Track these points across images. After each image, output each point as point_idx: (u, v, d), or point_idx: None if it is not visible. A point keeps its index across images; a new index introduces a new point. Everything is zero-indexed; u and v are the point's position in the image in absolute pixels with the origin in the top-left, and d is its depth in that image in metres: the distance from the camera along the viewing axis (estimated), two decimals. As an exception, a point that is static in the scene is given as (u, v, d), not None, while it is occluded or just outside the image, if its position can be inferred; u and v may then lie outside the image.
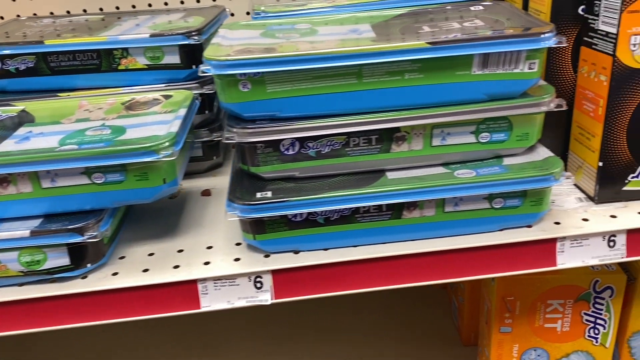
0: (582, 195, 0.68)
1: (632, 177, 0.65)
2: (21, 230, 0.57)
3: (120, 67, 0.76)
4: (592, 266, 0.76)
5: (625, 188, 0.65)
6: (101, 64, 0.76)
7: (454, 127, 0.61)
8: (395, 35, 0.62)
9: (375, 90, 0.59)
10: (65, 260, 0.59)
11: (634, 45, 0.59)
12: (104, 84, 0.77)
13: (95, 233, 0.58)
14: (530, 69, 0.59)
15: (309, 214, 0.60)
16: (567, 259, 0.62)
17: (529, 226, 0.63)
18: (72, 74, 0.76)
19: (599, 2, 0.62)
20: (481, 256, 0.61)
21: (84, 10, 1.09)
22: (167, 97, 0.71)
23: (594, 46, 0.63)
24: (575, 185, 0.70)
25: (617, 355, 0.82)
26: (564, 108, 0.61)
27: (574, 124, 0.69)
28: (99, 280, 0.60)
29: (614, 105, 0.62)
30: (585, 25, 0.65)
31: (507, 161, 0.63)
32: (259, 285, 0.60)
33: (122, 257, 0.64)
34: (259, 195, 0.59)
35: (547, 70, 0.69)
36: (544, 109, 0.61)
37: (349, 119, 0.60)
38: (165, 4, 1.10)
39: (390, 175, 0.62)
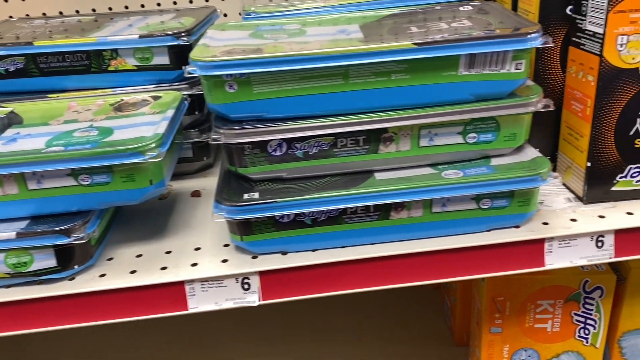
0: (571, 196, 0.68)
1: (621, 177, 0.65)
2: (7, 232, 0.57)
3: (109, 68, 0.76)
4: (582, 266, 0.76)
5: (613, 188, 0.65)
6: (91, 65, 0.75)
7: (441, 127, 0.61)
8: (383, 35, 0.62)
9: (362, 91, 0.59)
10: (52, 262, 0.58)
11: (621, 45, 0.59)
12: (93, 85, 0.77)
13: (81, 235, 0.58)
14: (517, 69, 0.59)
15: (297, 215, 0.60)
16: (555, 260, 0.62)
17: (517, 227, 0.63)
18: (62, 75, 0.76)
19: (586, 3, 0.62)
20: (468, 257, 0.61)
21: (77, 11, 1.09)
22: (156, 98, 0.71)
23: (581, 46, 0.63)
24: (564, 185, 0.70)
25: (608, 356, 0.82)
26: (552, 108, 0.61)
27: (563, 124, 0.69)
28: (86, 282, 0.60)
29: (601, 105, 0.62)
30: (573, 26, 0.65)
31: (494, 162, 0.63)
32: (246, 286, 0.60)
33: (110, 259, 0.64)
34: (246, 196, 0.59)
35: (535, 71, 0.69)
36: (531, 109, 0.61)
37: (336, 119, 0.60)
38: (158, 4, 1.10)
39: (378, 175, 0.62)
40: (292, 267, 0.60)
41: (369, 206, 0.60)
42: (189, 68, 0.57)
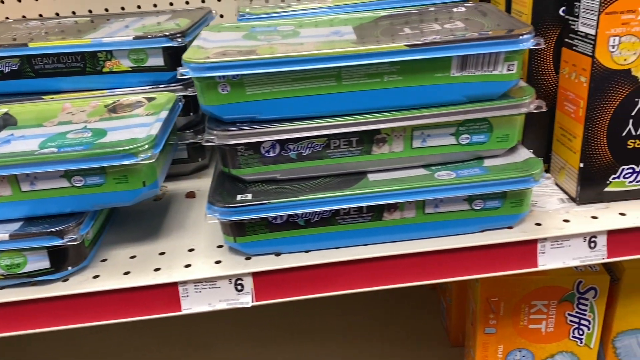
0: (565, 196, 0.68)
1: (614, 178, 0.65)
2: (0, 233, 0.57)
3: (104, 70, 0.76)
4: (576, 267, 0.76)
5: (606, 189, 0.65)
6: (85, 66, 0.76)
7: (434, 129, 0.61)
8: (376, 37, 0.62)
9: (355, 92, 0.59)
10: (45, 264, 0.59)
11: (613, 46, 0.59)
12: (88, 86, 0.77)
13: (75, 236, 0.58)
14: (509, 70, 0.59)
15: (290, 216, 0.60)
16: (548, 260, 0.62)
17: (510, 227, 0.63)
18: (57, 76, 0.76)
19: (578, 4, 0.62)
20: (461, 257, 0.61)
21: (73, 12, 1.09)
22: (150, 99, 0.71)
23: (574, 47, 0.64)
24: (557, 186, 0.71)
25: (602, 356, 0.82)
26: (544, 109, 0.61)
27: (556, 125, 0.70)
28: (80, 283, 0.60)
29: (593, 106, 0.62)
30: (566, 27, 0.65)
31: (487, 162, 0.63)
32: (239, 287, 0.60)
33: (104, 260, 0.64)
34: (239, 197, 0.59)
35: (529, 72, 0.69)
36: (523, 110, 0.61)
37: (329, 121, 0.60)
38: (155, 5, 1.10)
39: (371, 177, 0.62)
40: (285, 268, 0.60)
41: (362, 207, 0.60)
42: (181, 70, 0.58)
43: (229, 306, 0.61)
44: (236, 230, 0.60)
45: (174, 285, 0.60)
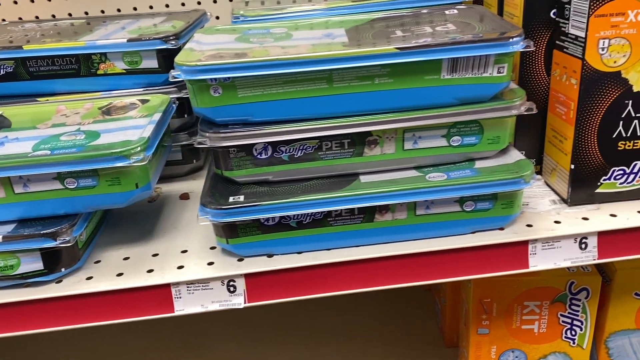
0: (556, 198, 0.69)
1: (604, 180, 0.65)
2: (-6, 235, 0.57)
3: (99, 72, 0.76)
4: (568, 268, 0.76)
5: (598, 190, 0.66)
6: (80, 68, 0.76)
7: (425, 130, 0.62)
8: (367, 39, 0.62)
9: (346, 94, 0.60)
10: (38, 265, 0.59)
11: (602, 49, 0.59)
12: (83, 88, 0.77)
13: (68, 238, 0.58)
14: (499, 73, 0.59)
15: (282, 217, 0.60)
16: (539, 261, 0.63)
17: (501, 229, 0.63)
18: (51, 78, 0.76)
19: (568, 6, 0.62)
20: (452, 259, 0.62)
21: (69, 14, 1.09)
22: (144, 101, 0.71)
23: (565, 49, 0.64)
24: (549, 187, 0.71)
25: (595, 356, 0.82)
26: (534, 111, 0.61)
27: (548, 127, 0.70)
28: (73, 285, 0.60)
29: (584, 108, 0.62)
30: (557, 29, 0.66)
31: (479, 164, 0.63)
32: (232, 289, 0.61)
33: (98, 261, 0.64)
34: (231, 199, 0.60)
35: (520, 73, 0.70)
36: (514, 112, 0.61)
37: (320, 123, 0.60)
38: (151, 7, 1.10)
39: (363, 178, 0.63)
40: (277, 270, 0.60)
41: (353, 209, 0.61)
42: (173, 72, 0.58)
43: (222, 307, 0.61)
44: (228, 231, 0.60)
45: (166, 286, 0.60)
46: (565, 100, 0.65)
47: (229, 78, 0.58)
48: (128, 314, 0.61)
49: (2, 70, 0.76)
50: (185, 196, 0.78)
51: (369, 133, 0.61)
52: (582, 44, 0.60)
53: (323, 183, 0.62)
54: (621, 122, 0.63)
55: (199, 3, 1.09)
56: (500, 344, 0.80)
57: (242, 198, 0.60)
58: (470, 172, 0.61)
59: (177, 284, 0.60)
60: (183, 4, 1.09)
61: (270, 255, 0.62)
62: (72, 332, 1.07)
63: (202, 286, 0.60)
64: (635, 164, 0.64)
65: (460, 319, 0.87)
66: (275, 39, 0.66)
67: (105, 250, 0.66)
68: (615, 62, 0.60)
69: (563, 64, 0.65)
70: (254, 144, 0.61)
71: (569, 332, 0.79)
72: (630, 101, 0.62)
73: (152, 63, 0.76)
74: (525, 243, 0.62)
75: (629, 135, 0.63)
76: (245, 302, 0.61)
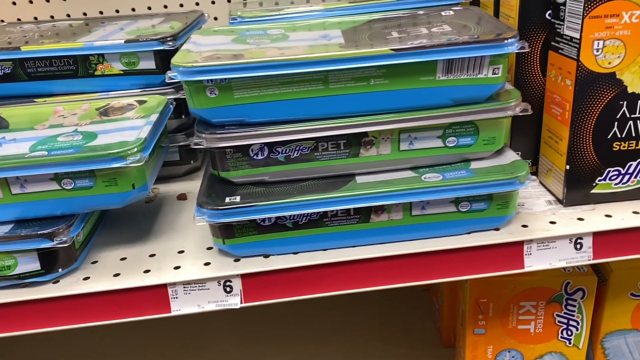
0: (552, 198, 0.69)
1: (600, 180, 0.65)
2: (-9, 235, 0.58)
3: (96, 73, 0.76)
4: (564, 268, 0.77)
5: (593, 191, 0.66)
6: (78, 69, 0.76)
7: (421, 131, 0.62)
8: (363, 41, 0.62)
9: (342, 95, 0.60)
10: (35, 265, 0.59)
11: (597, 50, 0.60)
12: (80, 89, 0.77)
13: (65, 238, 0.59)
14: (494, 74, 0.60)
15: (278, 218, 0.60)
16: (534, 262, 0.63)
17: (497, 229, 0.64)
18: (49, 79, 0.77)
19: (563, 8, 0.62)
20: (448, 259, 0.62)
21: (68, 15, 1.09)
22: (141, 102, 0.72)
23: (560, 51, 0.64)
24: (545, 188, 0.71)
25: (591, 356, 0.83)
26: (529, 112, 0.61)
27: (543, 128, 0.70)
28: (70, 285, 0.60)
29: (579, 109, 0.62)
30: (552, 30, 0.66)
31: (474, 165, 0.64)
32: (228, 289, 0.61)
33: (95, 262, 0.64)
34: (227, 200, 0.60)
35: (516, 75, 0.70)
36: (509, 113, 0.62)
37: (316, 124, 0.60)
38: (149, 8, 1.10)
39: (359, 179, 0.63)
40: (273, 270, 0.61)
41: (349, 209, 0.61)
42: (170, 73, 0.58)
43: (218, 307, 0.61)
44: (225, 232, 0.61)
45: (163, 286, 0.60)
46: (560, 101, 0.65)
47: (225, 79, 0.58)
48: (125, 314, 0.61)
49: (0, 71, 0.76)
50: (182, 197, 0.78)
51: (364, 134, 0.62)
52: (577, 45, 0.60)
53: (319, 184, 0.63)
54: (616, 123, 0.63)
55: (197, 4, 1.09)
56: (497, 344, 0.80)
57: (238, 198, 0.60)
58: (466, 172, 0.62)
59: (174, 284, 0.60)
60: (181, 5, 1.10)
61: (266, 256, 0.62)
62: (70, 332, 1.08)
63: (199, 286, 0.60)
64: (630, 165, 0.65)
65: (457, 319, 0.88)
66: (271, 40, 0.66)
67: (103, 250, 0.66)
68: (609, 63, 0.60)
69: (558, 65, 0.65)
70: (250, 145, 0.61)
71: (565, 332, 0.79)
72: (625, 102, 0.62)
73: (150, 64, 0.76)
74: (520, 243, 0.62)
75: (623, 136, 0.63)
76: (241, 303, 0.61)
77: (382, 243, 0.63)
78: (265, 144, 0.61)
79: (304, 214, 0.60)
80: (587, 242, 0.63)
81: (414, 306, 1.13)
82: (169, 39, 0.74)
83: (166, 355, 1.06)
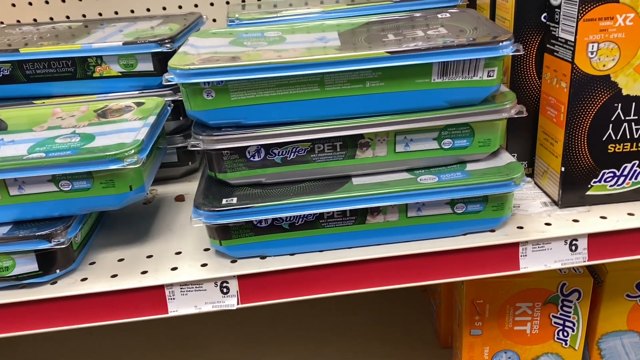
0: (547, 200, 0.69)
1: (595, 182, 0.66)
2: (-11, 237, 0.58)
3: (95, 75, 0.77)
4: (560, 269, 0.77)
5: (588, 193, 0.66)
6: (76, 71, 0.77)
7: (416, 133, 0.62)
8: (360, 43, 0.63)
9: (338, 98, 0.60)
10: (33, 267, 0.60)
11: (591, 52, 0.60)
12: (79, 91, 0.78)
13: (62, 240, 0.59)
14: (489, 76, 0.60)
15: (274, 219, 0.61)
16: (530, 263, 0.63)
17: (492, 231, 0.64)
18: (48, 81, 0.77)
19: (558, 10, 0.63)
20: (444, 260, 0.62)
21: (67, 17, 1.10)
22: (139, 104, 0.72)
23: (555, 53, 0.65)
24: (541, 189, 0.71)
25: (587, 357, 0.83)
26: (524, 114, 0.62)
27: (539, 130, 0.71)
28: (68, 286, 0.61)
29: (574, 111, 0.63)
30: (547, 33, 0.66)
31: (470, 167, 0.64)
32: (225, 290, 0.61)
33: (93, 263, 0.65)
34: (224, 201, 0.60)
35: (512, 77, 0.70)
36: (504, 115, 0.62)
37: (313, 126, 0.61)
38: (148, 9, 1.11)
39: (355, 180, 0.63)
40: (270, 271, 0.61)
41: (345, 211, 0.61)
42: (167, 76, 0.59)
43: (215, 308, 0.61)
44: (222, 233, 0.61)
45: (160, 287, 0.60)
46: (555, 103, 0.65)
47: (221, 81, 0.58)
48: (122, 315, 0.61)
49: (-1, 73, 0.77)
50: (180, 198, 0.78)
51: (361, 136, 0.62)
52: (572, 48, 0.60)
53: (315, 185, 0.63)
54: (611, 125, 0.63)
55: (195, 6, 1.10)
56: (493, 345, 0.81)
57: (235, 200, 0.60)
58: (462, 174, 0.62)
59: (171, 285, 0.60)
60: (180, 7, 1.10)
61: (263, 257, 0.63)
62: (69, 333, 1.08)
63: (196, 287, 0.61)
64: (625, 167, 0.65)
65: (453, 320, 0.88)
66: (268, 43, 0.67)
67: (100, 251, 0.67)
68: (604, 65, 0.61)
69: (553, 67, 0.65)
70: (247, 147, 0.61)
71: (561, 333, 0.79)
72: (620, 104, 0.62)
73: (148, 66, 0.76)
74: (515, 245, 0.63)
75: (618, 138, 0.64)
76: (238, 304, 0.61)
77: (378, 244, 0.63)
78: (261, 145, 0.62)
79: (301, 215, 0.60)
80: (582, 244, 0.63)
81: (412, 307, 1.13)
82: (166, 41, 0.75)
83: (166, 355, 1.06)
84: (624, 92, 0.62)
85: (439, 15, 0.72)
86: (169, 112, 0.72)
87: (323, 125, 0.61)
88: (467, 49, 0.58)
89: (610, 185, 0.66)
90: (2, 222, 0.61)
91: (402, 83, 0.59)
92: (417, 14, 0.74)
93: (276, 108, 0.60)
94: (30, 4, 1.08)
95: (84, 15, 1.10)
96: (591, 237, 0.63)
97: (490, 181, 0.60)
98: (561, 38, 0.63)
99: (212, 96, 0.59)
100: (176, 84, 0.63)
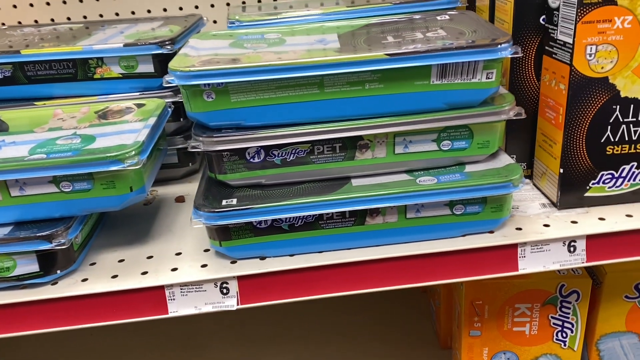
0: (546, 201, 0.70)
1: (593, 184, 0.66)
2: (-10, 237, 0.58)
3: (95, 76, 0.77)
4: (558, 270, 0.77)
5: (587, 194, 0.67)
6: (77, 73, 0.77)
7: (415, 135, 0.63)
8: (359, 45, 0.63)
9: (337, 99, 0.60)
10: (34, 267, 0.60)
11: (590, 55, 0.60)
12: (79, 92, 0.78)
13: (63, 240, 0.59)
14: (488, 78, 0.60)
15: (274, 220, 0.61)
16: (528, 264, 0.64)
17: (491, 232, 0.64)
18: (49, 82, 0.77)
19: (557, 13, 0.63)
20: (443, 261, 0.62)
21: (68, 18, 1.10)
22: (139, 105, 0.72)
23: (554, 55, 0.65)
24: (540, 191, 0.72)
25: (587, 358, 0.83)
26: (523, 116, 0.62)
27: (538, 131, 0.71)
28: (68, 287, 0.61)
29: (572, 113, 0.63)
30: (546, 35, 0.66)
31: (469, 168, 0.64)
32: (225, 291, 0.61)
33: (93, 264, 0.65)
34: (224, 202, 0.61)
35: (511, 79, 0.70)
36: (503, 117, 0.62)
37: (312, 127, 0.61)
38: (149, 11, 1.11)
39: (355, 182, 0.64)
40: (270, 272, 0.61)
41: (345, 212, 0.61)
42: (167, 77, 0.59)
43: (215, 309, 0.62)
44: (221, 234, 0.61)
45: (160, 288, 0.61)
46: (554, 105, 0.65)
47: (221, 83, 0.59)
48: (123, 316, 0.62)
49: (0, 74, 0.77)
50: (180, 199, 0.78)
51: (360, 137, 0.62)
52: (570, 50, 0.61)
53: (315, 186, 0.63)
54: (609, 127, 0.63)
55: (196, 7, 1.10)
56: (492, 346, 0.81)
57: (235, 201, 0.61)
58: (460, 175, 0.62)
59: (171, 286, 0.61)
60: (180, 8, 1.10)
61: (262, 258, 0.63)
62: (70, 333, 1.08)
63: (196, 288, 0.61)
64: (624, 168, 0.65)
65: (453, 320, 0.88)
66: (269, 45, 0.67)
67: (101, 252, 0.67)
68: (602, 67, 0.61)
69: (552, 70, 0.65)
70: (247, 148, 0.62)
71: (560, 334, 0.80)
72: (618, 106, 0.62)
73: (148, 67, 0.77)
74: (514, 246, 0.63)
75: (617, 139, 0.64)
76: (238, 304, 0.62)
77: (378, 245, 0.63)
78: (261, 147, 0.62)
79: (300, 216, 0.61)
80: (581, 245, 0.63)
81: (412, 308, 1.13)
82: (167, 42, 0.75)
83: (166, 355, 1.07)
84: (622, 94, 0.62)
85: (439, 18, 0.73)
86: (169, 114, 0.73)
87: (323, 126, 0.61)
88: (466, 51, 0.58)
89: (609, 187, 0.66)
90: (3, 223, 0.61)
91: (401, 85, 0.60)
92: (417, 16, 0.75)
93: (276, 110, 0.61)
94: (31, 5, 1.08)
95: (85, 17, 1.10)
96: (590, 238, 0.63)
97: (489, 183, 0.60)
98: (560, 40, 0.63)
99: (212, 98, 0.60)
100: (176, 86, 0.64)
